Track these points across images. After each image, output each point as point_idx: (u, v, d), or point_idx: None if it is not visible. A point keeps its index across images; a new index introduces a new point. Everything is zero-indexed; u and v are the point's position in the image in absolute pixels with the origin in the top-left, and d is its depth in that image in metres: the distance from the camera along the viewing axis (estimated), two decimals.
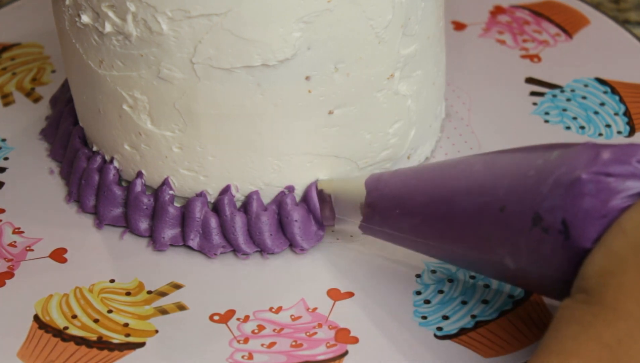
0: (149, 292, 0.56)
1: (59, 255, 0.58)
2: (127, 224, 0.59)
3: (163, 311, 0.55)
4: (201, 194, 0.57)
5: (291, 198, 0.57)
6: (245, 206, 0.57)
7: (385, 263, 0.57)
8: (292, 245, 0.58)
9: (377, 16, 0.54)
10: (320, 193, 0.57)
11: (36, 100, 0.68)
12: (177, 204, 0.58)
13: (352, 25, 0.54)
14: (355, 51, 0.55)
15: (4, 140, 0.65)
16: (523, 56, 0.70)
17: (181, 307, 0.55)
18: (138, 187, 0.58)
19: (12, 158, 0.64)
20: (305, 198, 0.57)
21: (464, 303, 0.54)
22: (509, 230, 0.47)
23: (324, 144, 0.57)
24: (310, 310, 0.54)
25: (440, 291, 0.55)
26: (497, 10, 0.74)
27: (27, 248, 0.58)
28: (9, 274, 0.57)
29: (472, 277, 0.55)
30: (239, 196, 0.57)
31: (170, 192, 0.58)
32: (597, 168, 0.45)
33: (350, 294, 0.55)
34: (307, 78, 0.54)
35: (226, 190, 0.57)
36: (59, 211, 0.60)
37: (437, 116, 0.63)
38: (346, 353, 0.52)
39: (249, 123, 0.55)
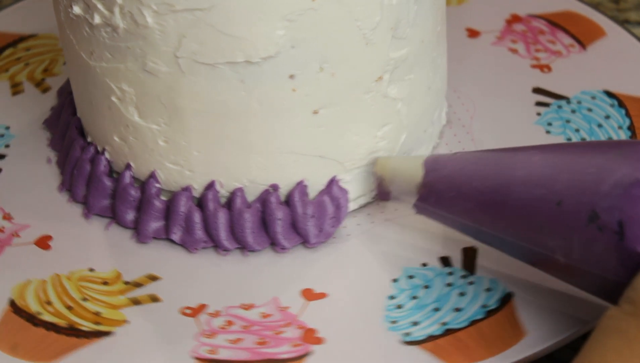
0: (126, 283, 0.56)
1: (43, 242, 0.58)
2: (114, 215, 0.59)
3: (136, 301, 0.55)
4: (187, 189, 0.58)
5: (275, 197, 0.57)
6: (229, 203, 0.57)
7: (364, 266, 0.56)
8: (274, 244, 0.57)
9: (365, 17, 0.54)
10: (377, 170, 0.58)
11: (45, 90, 0.69)
12: (163, 198, 0.58)
13: (338, 26, 0.54)
14: (340, 52, 0.54)
15: (7, 128, 0.66)
16: (533, 66, 0.69)
17: (154, 299, 0.55)
18: (127, 179, 0.59)
19: (13, 145, 0.65)
20: (289, 199, 0.57)
21: (436, 310, 0.53)
22: (563, 224, 0.47)
23: (309, 144, 0.56)
24: (281, 309, 0.54)
25: (415, 297, 0.54)
26: (514, 19, 0.73)
27: (14, 234, 0.59)
28: None
29: (449, 285, 0.55)
30: (224, 192, 0.57)
31: (157, 185, 0.58)
32: None
33: (323, 295, 0.55)
34: (291, 77, 0.54)
35: (211, 186, 0.57)
36: (50, 199, 0.61)
37: (434, 121, 0.62)
38: (309, 353, 0.52)
39: (233, 120, 0.55)
